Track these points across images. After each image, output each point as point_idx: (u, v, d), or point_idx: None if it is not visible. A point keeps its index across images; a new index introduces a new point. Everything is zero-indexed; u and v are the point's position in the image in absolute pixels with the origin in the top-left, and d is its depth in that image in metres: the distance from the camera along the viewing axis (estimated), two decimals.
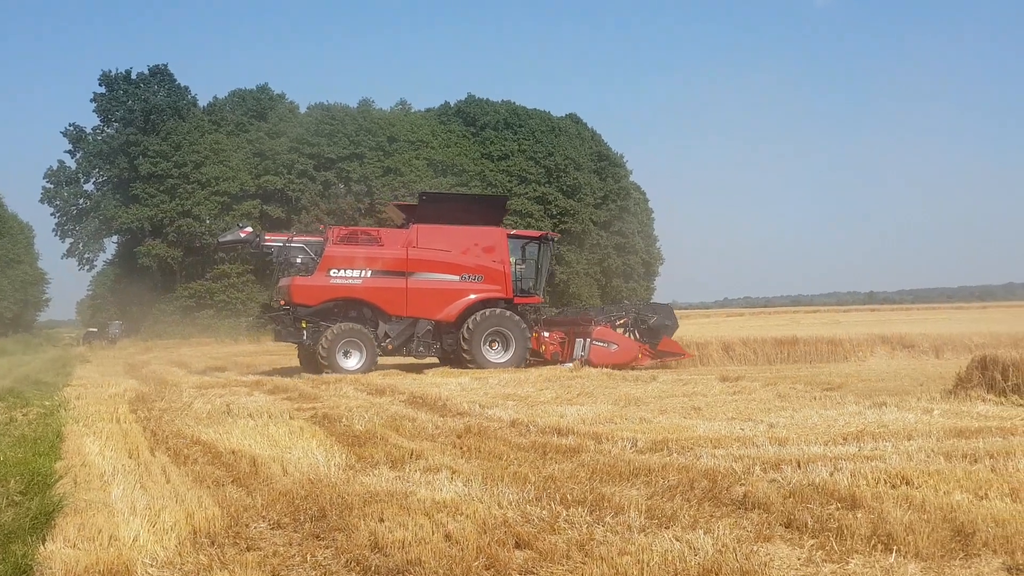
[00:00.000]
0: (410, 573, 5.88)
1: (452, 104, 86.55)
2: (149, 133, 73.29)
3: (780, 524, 6.79)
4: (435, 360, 26.68)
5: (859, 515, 6.86)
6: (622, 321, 26.14)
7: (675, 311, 28.50)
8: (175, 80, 77.76)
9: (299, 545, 6.77)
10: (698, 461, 9.30)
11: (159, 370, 30.75)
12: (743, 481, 8.20)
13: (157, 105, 74.40)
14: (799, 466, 8.81)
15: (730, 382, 18.23)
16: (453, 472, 9.05)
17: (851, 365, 23.48)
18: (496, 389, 18.52)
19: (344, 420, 13.50)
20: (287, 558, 6.45)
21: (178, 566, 6.26)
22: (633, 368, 23.38)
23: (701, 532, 6.55)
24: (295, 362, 27.68)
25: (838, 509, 7.14)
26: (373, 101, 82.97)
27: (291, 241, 26.04)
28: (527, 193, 79.05)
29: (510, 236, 26.81)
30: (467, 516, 7.17)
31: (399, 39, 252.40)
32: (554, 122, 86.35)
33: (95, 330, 71.45)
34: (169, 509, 7.53)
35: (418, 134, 79.03)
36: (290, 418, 13.97)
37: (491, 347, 25.41)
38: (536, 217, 75.89)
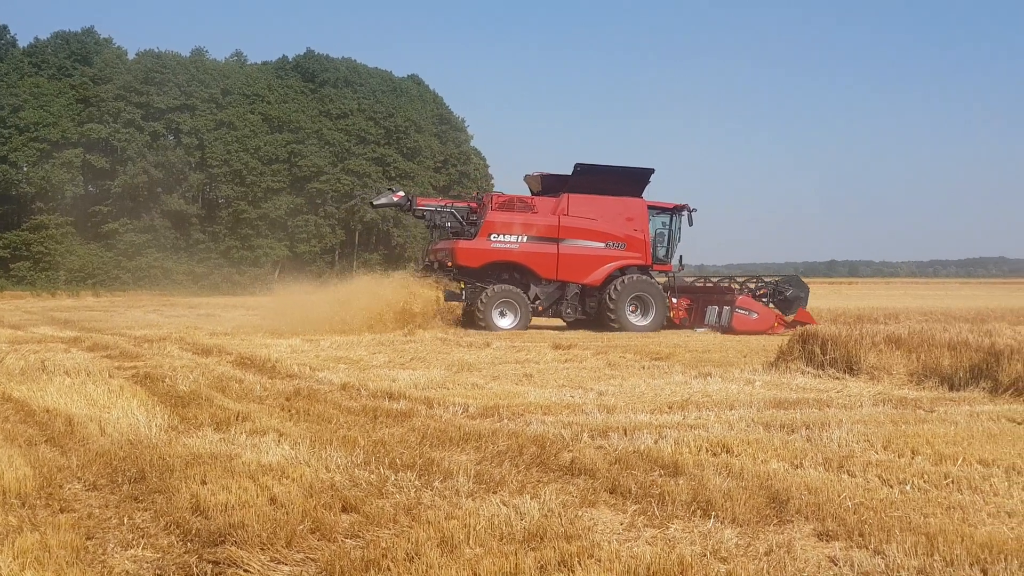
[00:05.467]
0: (232, 536, 5.73)
1: (290, 59, 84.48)
2: None
3: (605, 490, 6.91)
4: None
5: (681, 482, 7.06)
6: (762, 292, 27.73)
7: None
8: None
9: (116, 507, 6.53)
10: (528, 427, 9.40)
11: None
12: (571, 448, 8.33)
13: None
14: (625, 433, 9.01)
15: (562, 350, 18.55)
16: (280, 435, 8.88)
17: (680, 336, 24.19)
18: (327, 352, 18.34)
19: (167, 380, 13.10)
20: (103, 520, 6.21)
21: None
22: (769, 335, 24.28)
23: (528, 497, 6.61)
24: (118, 320, 26.67)
25: (661, 476, 7.33)
26: (207, 51, 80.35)
27: (444, 206, 27.59)
28: (366, 154, 78.19)
29: (649, 207, 28.02)
30: (293, 479, 7.06)
31: None
32: (395, 82, 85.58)
33: None
34: None
35: (254, 87, 77.08)
36: (110, 377, 13.45)
37: (631, 311, 26.81)
38: (374, 178, 75.14)
